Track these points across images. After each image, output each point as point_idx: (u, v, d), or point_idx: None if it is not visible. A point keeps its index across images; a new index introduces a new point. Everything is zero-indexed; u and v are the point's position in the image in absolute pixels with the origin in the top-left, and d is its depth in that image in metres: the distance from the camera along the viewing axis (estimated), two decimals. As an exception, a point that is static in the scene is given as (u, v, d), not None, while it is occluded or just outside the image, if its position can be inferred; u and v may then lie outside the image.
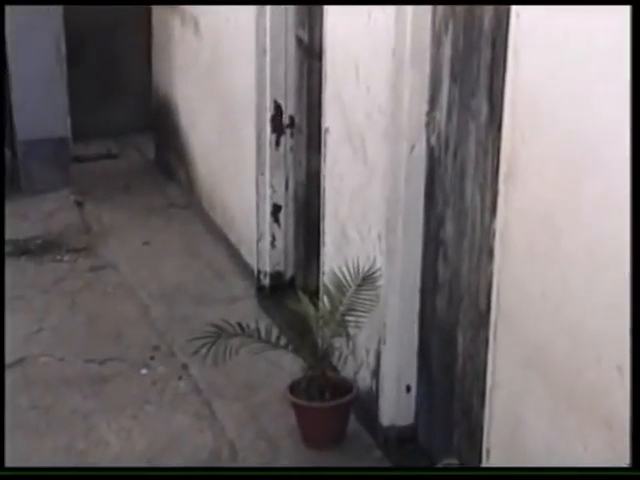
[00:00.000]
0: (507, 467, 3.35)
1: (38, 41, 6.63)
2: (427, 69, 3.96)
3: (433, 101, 3.97)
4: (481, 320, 3.74)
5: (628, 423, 2.67)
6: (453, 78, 3.85)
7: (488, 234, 3.67)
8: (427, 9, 3.89)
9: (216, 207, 6.36)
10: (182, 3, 6.51)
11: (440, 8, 3.86)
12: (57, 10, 6.67)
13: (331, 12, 4.47)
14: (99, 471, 3.55)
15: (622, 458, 2.77)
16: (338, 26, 4.44)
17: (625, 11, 2.66)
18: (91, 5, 7.10)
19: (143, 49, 7.32)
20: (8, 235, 6.25)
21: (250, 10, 5.29)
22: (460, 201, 3.89)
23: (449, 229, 3.99)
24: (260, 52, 5.27)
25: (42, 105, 6.73)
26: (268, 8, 5.20)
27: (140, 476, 3.17)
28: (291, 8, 5.20)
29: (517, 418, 3.40)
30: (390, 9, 3.92)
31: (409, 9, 3.88)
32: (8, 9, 6.43)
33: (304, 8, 5.11)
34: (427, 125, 4.00)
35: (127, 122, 7.65)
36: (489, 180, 3.65)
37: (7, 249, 6.13)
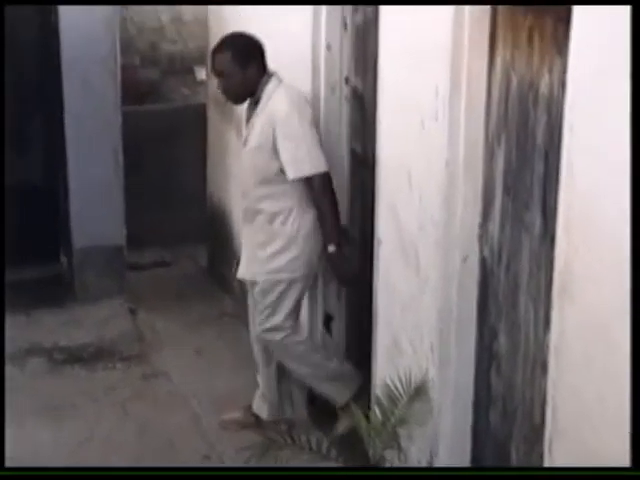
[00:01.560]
0: (507, 467, 3.23)
1: (97, 151, 6.76)
2: (480, 181, 3.98)
3: (486, 213, 3.98)
4: (535, 434, 3.68)
5: None
6: (506, 190, 3.86)
7: (542, 347, 3.63)
8: (480, 121, 3.92)
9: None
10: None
11: (493, 121, 3.89)
12: (116, 120, 6.81)
13: (384, 122, 4.52)
14: (99, 471, 3.51)
15: None
16: (391, 137, 4.49)
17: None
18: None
19: (199, 159, 7.43)
20: (61, 342, 6.29)
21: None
22: (513, 313, 3.86)
23: (502, 341, 3.96)
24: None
25: (99, 213, 6.83)
26: (322, 118, 5.27)
27: (140, 476, 3.15)
28: (345, 120, 5.27)
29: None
30: (443, 120, 3.96)
31: (462, 120, 3.91)
32: (70, 115, 6.61)
33: (358, 118, 5.18)
34: (480, 237, 4.01)
35: (181, 231, 7.73)
36: (543, 293, 3.63)
37: (60, 356, 6.17)
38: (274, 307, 5.05)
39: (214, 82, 6.86)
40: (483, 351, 4.08)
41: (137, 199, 7.16)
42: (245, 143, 5.16)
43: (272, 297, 5.05)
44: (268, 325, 5.06)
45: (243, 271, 5.23)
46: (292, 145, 4.89)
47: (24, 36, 8.43)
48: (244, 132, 5.27)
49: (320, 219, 5.01)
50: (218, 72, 5.06)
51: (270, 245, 5.05)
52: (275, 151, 4.92)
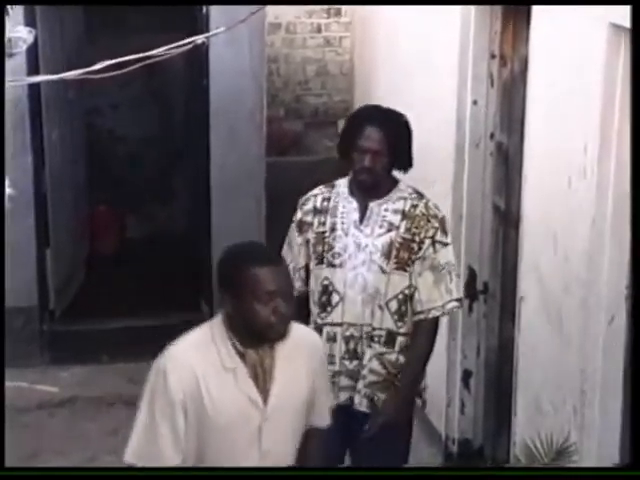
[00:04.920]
0: (506, 467, 3.08)
1: (240, 201, 6.86)
2: (628, 240, 3.88)
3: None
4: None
5: None
6: (656, 250, 3.76)
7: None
8: (628, 179, 3.83)
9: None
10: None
11: (643, 179, 3.80)
12: (260, 171, 6.91)
13: (530, 179, 4.47)
14: (99, 471, 3.51)
15: None
16: (536, 194, 4.43)
17: None
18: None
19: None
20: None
21: (447, 176, 5.34)
22: (662, 377, 3.74)
23: (649, 406, 3.83)
24: (457, 218, 5.30)
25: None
26: (466, 174, 5.24)
27: (140, 476, 3.15)
28: (489, 174, 5.23)
29: None
30: (592, 178, 3.89)
31: (611, 178, 3.83)
32: (215, 165, 6.73)
33: (502, 174, 5.13)
34: (627, 298, 3.91)
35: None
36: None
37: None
38: None
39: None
40: (629, 415, 3.96)
41: (278, 251, 7.20)
42: None
43: None
44: None
45: None
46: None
47: (174, 89, 8.68)
48: None
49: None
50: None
51: None
52: None
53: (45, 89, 6.58)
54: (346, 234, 4.27)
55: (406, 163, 4.34)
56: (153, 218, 8.92)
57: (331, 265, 4.27)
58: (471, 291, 5.36)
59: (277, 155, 7.55)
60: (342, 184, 4.36)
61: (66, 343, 6.90)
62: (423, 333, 4.29)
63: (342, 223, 4.29)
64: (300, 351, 3.44)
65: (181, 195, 8.81)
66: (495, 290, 5.28)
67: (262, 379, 3.37)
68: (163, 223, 8.90)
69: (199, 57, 6.72)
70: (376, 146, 4.20)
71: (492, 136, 5.19)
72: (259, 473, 3.27)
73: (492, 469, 3.28)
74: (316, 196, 4.39)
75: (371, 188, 4.26)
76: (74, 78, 3.49)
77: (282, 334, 3.31)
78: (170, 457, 3.28)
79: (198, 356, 3.35)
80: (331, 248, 4.28)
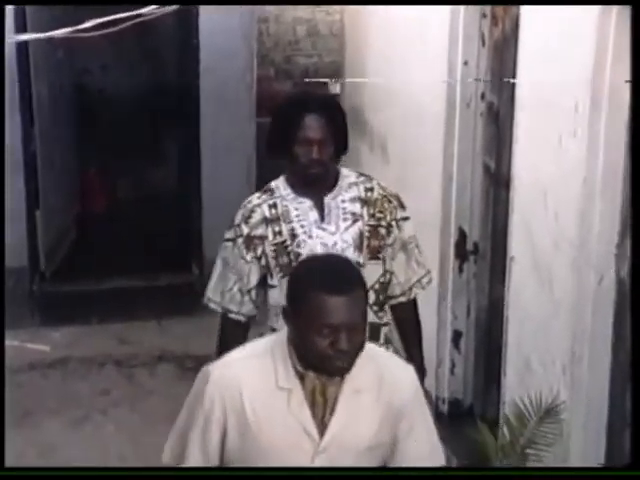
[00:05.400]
0: (506, 467, 3.07)
1: (231, 161, 6.85)
2: (619, 199, 3.89)
3: (624, 232, 3.88)
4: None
5: None
6: (646, 209, 3.76)
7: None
8: (621, 137, 3.83)
9: (393, 331, 6.33)
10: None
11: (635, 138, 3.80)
12: (251, 132, 6.90)
13: (520, 138, 4.46)
14: (99, 471, 3.50)
15: None
16: (527, 154, 4.42)
17: None
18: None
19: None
20: (192, 350, 6.36)
21: (438, 137, 5.33)
22: (651, 336, 3.75)
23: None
24: (447, 179, 5.30)
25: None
26: (456, 135, 5.24)
27: (141, 476, 3.13)
28: (479, 135, 5.22)
29: None
30: (582, 137, 3.88)
31: (602, 137, 3.83)
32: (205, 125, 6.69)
33: (492, 135, 5.12)
34: (617, 256, 3.91)
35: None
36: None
37: (191, 364, 6.24)
38: None
39: (349, 94, 6.88)
40: (618, 374, 3.98)
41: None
42: None
43: None
44: None
45: None
46: None
47: (164, 49, 8.64)
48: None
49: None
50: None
51: None
52: None
53: (33, 48, 6.55)
54: (310, 237, 3.91)
55: (345, 149, 4.05)
56: (143, 179, 8.91)
57: None
58: (461, 252, 5.37)
59: (267, 115, 7.53)
60: (281, 186, 3.99)
61: (57, 304, 6.92)
62: (412, 314, 4.17)
63: (302, 227, 3.93)
64: (379, 387, 3.04)
65: (172, 155, 8.79)
66: (485, 250, 5.29)
67: (321, 408, 2.98)
68: (154, 184, 8.89)
69: (189, 17, 6.69)
70: (320, 135, 3.85)
71: (483, 96, 5.18)
72: (259, 473, 3.03)
73: (492, 469, 3.26)
74: (260, 206, 3.97)
75: (322, 181, 3.94)
76: (63, 37, 3.46)
77: (342, 369, 2.92)
78: (197, 464, 3.08)
79: (250, 370, 3.01)
80: (298, 256, 3.86)
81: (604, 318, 3.98)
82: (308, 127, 3.84)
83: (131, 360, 6.41)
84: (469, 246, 5.36)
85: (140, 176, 8.88)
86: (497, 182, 5.07)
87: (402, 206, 4.07)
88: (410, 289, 4.12)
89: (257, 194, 4.04)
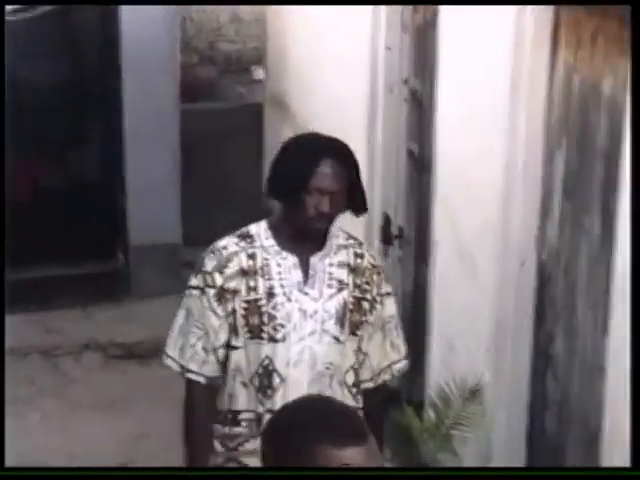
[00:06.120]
0: (505, 467, 3.11)
1: (155, 148, 6.82)
2: (539, 184, 3.95)
3: (544, 216, 3.95)
4: (592, 440, 3.64)
5: None
6: (566, 194, 3.83)
7: (600, 352, 3.59)
8: (540, 123, 3.89)
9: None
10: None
11: (553, 123, 3.86)
12: (174, 119, 6.86)
13: (442, 124, 4.50)
14: (100, 471, 3.47)
15: None
16: (449, 139, 4.47)
17: None
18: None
19: (254, 155, 7.45)
20: (117, 338, 6.34)
21: (362, 122, 5.36)
22: (571, 318, 3.83)
23: (559, 346, 3.93)
24: (371, 163, 5.32)
25: (155, 210, 6.88)
26: (380, 120, 5.26)
27: (142, 476, 3.07)
28: (403, 119, 5.26)
29: None
30: (503, 122, 3.93)
31: (522, 125, 3.88)
32: (129, 112, 6.65)
33: (416, 120, 5.16)
34: (538, 240, 3.98)
35: (236, 228, 7.75)
36: (601, 297, 3.59)
37: (116, 352, 6.22)
38: None
39: (272, 80, 6.86)
40: (539, 355, 4.05)
41: (193, 196, 7.20)
42: None
43: None
44: None
45: None
46: None
47: (85, 36, 8.53)
48: None
49: None
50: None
51: None
52: None
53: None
54: (289, 299, 3.35)
55: (363, 204, 3.47)
56: (67, 167, 8.80)
57: (272, 340, 3.34)
58: (386, 236, 5.41)
59: (191, 102, 7.51)
60: (262, 234, 3.43)
61: (-21, 294, 6.82)
62: (376, 406, 3.57)
63: (282, 286, 3.36)
64: None
65: (96, 143, 8.70)
66: (410, 235, 5.34)
67: None
68: (77, 172, 8.78)
69: (111, 5, 6.63)
70: (337, 186, 3.29)
71: (406, 82, 5.21)
72: (259, 473, 2.85)
73: (492, 469, 3.26)
74: (237, 254, 3.41)
75: (316, 238, 3.40)
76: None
77: None
78: None
79: None
80: (272, 319, 3.34)
81: (526, 301, 4.04)
82: (324, 175, 3.27)
83: (56, 349, 6.36)
84: (394, 230, 5.40)
85: (63, 165, 8.77)
86: (421, 167, 5.11)
87: (386, 279, 3.56)
88: (379, 374, 3.54)
89: (234, 239, 3.45)
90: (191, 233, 7.13)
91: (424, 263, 4.95)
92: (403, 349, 3.57)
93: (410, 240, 5.34)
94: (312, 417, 2.26)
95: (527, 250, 3.99)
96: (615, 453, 3.35)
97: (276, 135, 7.12)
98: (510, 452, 4.16)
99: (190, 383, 3.48)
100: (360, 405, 3.44)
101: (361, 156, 5.34)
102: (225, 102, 8.05)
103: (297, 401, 2.38)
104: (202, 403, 3.45)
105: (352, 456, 2.19)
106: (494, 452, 4.17)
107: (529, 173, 3.92)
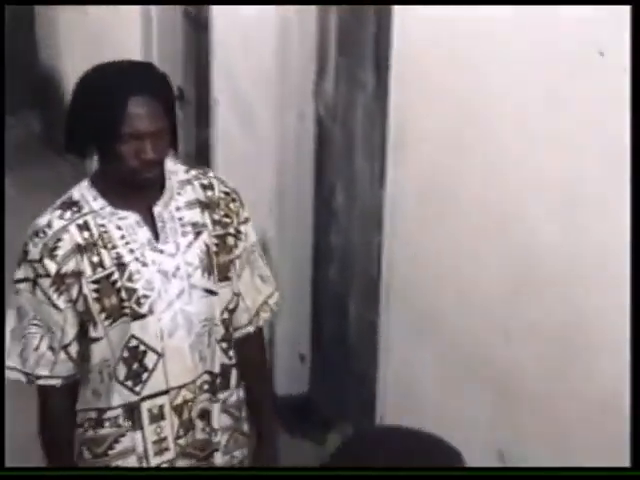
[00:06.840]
0: (504, 467, 3.21)
1: None
2: (314, 39, 3.97)
3: (321, 71, 3.98)
4: (372, 288, 3.77)
5: (512, 383, 2.72)
6: (340, 49, 3.87)
7: (378, 202, 3.69)
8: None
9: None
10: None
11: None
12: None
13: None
14: (100, 471, 3.19)
15: (508, 414, 2.83)
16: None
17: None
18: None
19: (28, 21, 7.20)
20: None
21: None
22: (349, 170, 3.91)
23: (340, 198, 4.01)
24: (147, 24, 5.23)
25: None
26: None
27: (141, 476, 2.75)
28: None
29: (410, 384, 3.45)
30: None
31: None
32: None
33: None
34: (315, 94, 4.02)
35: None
36: (377, 149, 3.67)
37: None
38: None
39: None
40: (321, 208, 4.13)
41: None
42: None
43: None
44: None
45: None
46: None
47: None
48: None
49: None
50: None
51: None
52: None
53: None
54: (144, 264, 2.78)
55: (177, 139, 2.84)
56: None
57: (138, 316, 2.77)
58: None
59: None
60: (89, 197, 2.78)
61: None
62: (259, 352, 3.06)
63: (131, 251, 2.78)
64: None
65: None
66: (190, 95, 5.29)
67: None
68: None
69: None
70: (155, 126, 2.67)
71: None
72: (259, 473, 2.71)
73: (491, 469, 3.25)
74: (66, 229, 2.74)
75: (152, 187, 2.80)
76: None
77: None
78: None
79: None
80: (131, 292, 2.77)
81: (306, 155, 4.10)
82: (137, 115, 2.64)
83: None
84: (174, 92, 5.33)
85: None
86: (199, 27, 5.04)
87: (242, 203, 2.92)
88: (257, 314, 2.99)
89: (56, 212, 2.76)
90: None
91: (205, 124, 4.92)
92: (272, 278, 3.04)
93: (191, 100, 5.29)
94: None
95: (305, 104, 4.03)
96: (395, 304, 3.48)
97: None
98: (296, 303, 4.26)
99: (43, 390, 2.85)
100: (233, 361, 2.89)
101: (136, 15, 5.26)
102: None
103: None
104: (62, 408, 2.88)
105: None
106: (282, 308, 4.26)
107: (304, 27, 3.94)
